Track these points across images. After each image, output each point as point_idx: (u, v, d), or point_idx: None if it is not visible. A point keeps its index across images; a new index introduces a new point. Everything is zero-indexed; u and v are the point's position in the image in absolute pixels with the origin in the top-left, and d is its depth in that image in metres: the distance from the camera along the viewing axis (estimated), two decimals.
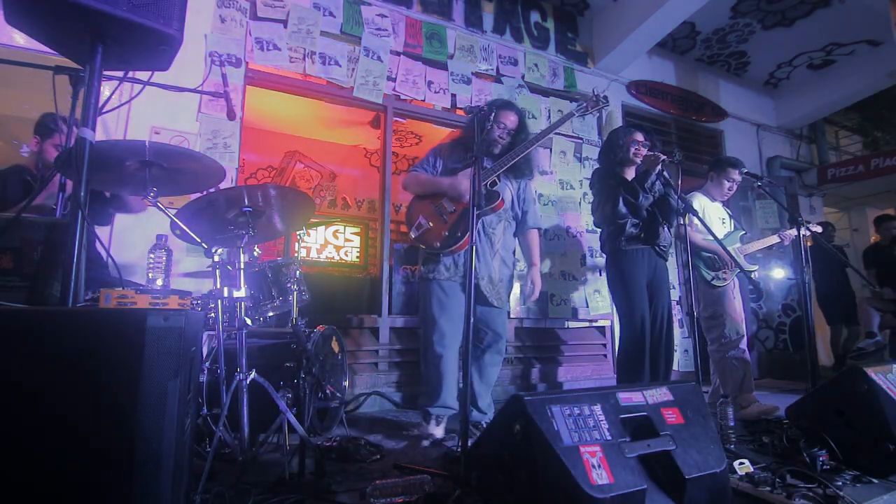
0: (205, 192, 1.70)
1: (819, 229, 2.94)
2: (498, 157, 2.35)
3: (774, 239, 3.07)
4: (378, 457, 1.89)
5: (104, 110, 1.36)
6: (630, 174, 2.72)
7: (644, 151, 2.63)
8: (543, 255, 3.88)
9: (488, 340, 2.40)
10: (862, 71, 5.07)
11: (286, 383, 1.93)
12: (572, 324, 3.93)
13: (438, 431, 2.25)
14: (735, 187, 3.09)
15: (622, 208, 2.58)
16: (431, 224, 2.32)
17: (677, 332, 2.96)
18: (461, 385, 2.41)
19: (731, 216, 3.19)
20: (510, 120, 2.41)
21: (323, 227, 5.08)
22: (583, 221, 4.09)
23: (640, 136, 2.70)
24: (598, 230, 2.95)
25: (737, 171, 3.05)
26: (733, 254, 2.77)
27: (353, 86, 3.34)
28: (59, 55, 1.26)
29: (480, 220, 2.36)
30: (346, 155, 6.27)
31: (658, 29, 3.99)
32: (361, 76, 3.36)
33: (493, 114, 2.30)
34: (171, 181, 1.58)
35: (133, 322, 0.91)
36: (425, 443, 2.19)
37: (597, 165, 3.01)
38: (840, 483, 1.58)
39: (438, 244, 2.30)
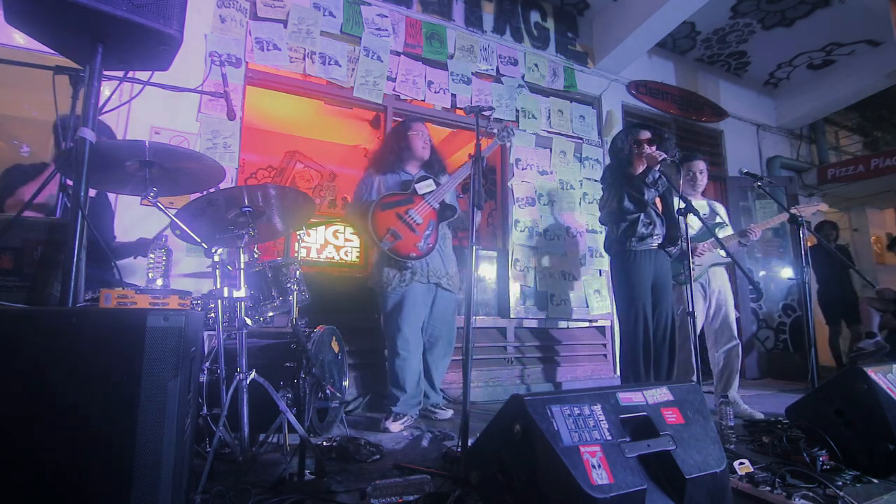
0: (205, 192, 1.70)
1: (813, 209, 2.96)
2: (427, 164, 2.74)
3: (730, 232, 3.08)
4: (378, 457, 1.89)
5: (104, 110, 1.36)
6: (640, 170, 2.73)
7: (647, 150, 2.64)
8: (544, 254, 3.88)
9: (440, 332, 2.71)
10: (862, 71, 5.07)
11: (286, 383, 1.92)
12: (572, 324, 3.93)
13: (395, 427, 2.41)
14: (699, 177, 3.10)
15: (628, 204, 2.60)
16: (404, 236, 2.51)
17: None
18: (427, 381, 2.74)
19: (712, 211, 3.18)
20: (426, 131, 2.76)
21: (323, 227, 5.08)
22: (583, 221, 4.09)
23: (643, 135, 2.71)
24: (601, 230, 2.96)
25: (696, 162, 3.10)
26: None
27: (353, 86, 3.34)
28: (59, 55, 1.25)
29: (442, 227, 2.68)
30: (346, 155, 6.28)
31: (658, 29, 3.99)
32: (361, 76, 3.36)
33: (409, 128, 2.70)
34: (171, 181, 1.58)
35: (133, 322, 0.91)
36: (424, 443, 2.20)
37: (606, 163, 3.03)
38: (840, 483, 1.58)
39: (414, 254, 2.52)
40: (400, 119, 3.92)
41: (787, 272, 4.92)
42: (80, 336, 0.89)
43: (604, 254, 2.97)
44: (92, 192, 2.10)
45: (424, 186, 2.60)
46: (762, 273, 4.92)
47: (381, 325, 3.22)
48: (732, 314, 2.95)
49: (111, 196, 2.42)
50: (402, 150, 2.68)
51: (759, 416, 2.68)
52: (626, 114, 4.55)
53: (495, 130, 2.68)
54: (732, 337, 2.90)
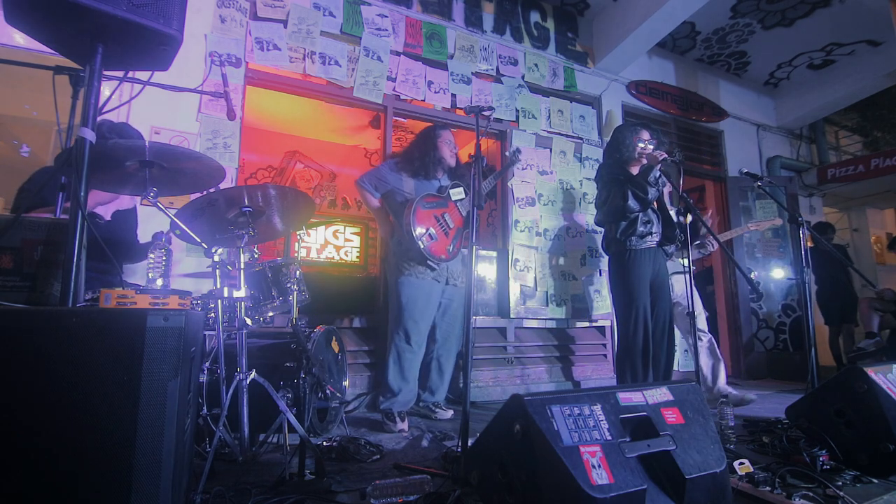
0: (205, 192, 1.70)
1: (768, 224, 3.07)
2: (454, 170, 2.82)
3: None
4: (378, 457, 1.89)
5: (104, 110, 1.35)
6: (634, 171, 2.74)
7: (650, 149, 2.65)
8: (544, 254, 3.89)
9: (452, 329, 2.73)
10: (862, 71, 5.07)
11: (286, 383, 1.92)
12: (572, 323, 3.93)
13: (403, 424, 2.43)
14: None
15: (632, 203, 2.61)
16: (438, 237, 2.58)
17: (677, 332, 3.00)
18: (432, 382, 2.76)
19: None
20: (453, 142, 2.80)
21: (323, 227, 5.08)
22: (583, 221, 4.09)
23: (646, 135, 2.73)
24: (600, 229, 2.96)
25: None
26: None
27: (353, 86, 3.34)
28: (59, 55, 1.26)
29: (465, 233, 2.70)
30: (346, 155, 6.28)
31: (658, 29, 3.99)
32: (361, 76, 3.36)
33: (438, 136, 2.73)
34: (171, 181, 1.58)
35: (133, 322, 0.91)
36: (424, 443, 2.20)
37: (601, 161, 3.04)
38: (840, 483, 1.58)
39: (443, 256, 2.58)
40: (401, 119, 3.93)
41: (786, 272, 4.92)
42: (80, 336, 0.89)
43: (604, 254, 2.98)
44: (129, 202, 2.11)
45: (456, 193, 2.71)
46: (755, 274, 4.92)
47: (384, 320, 3.24)
48: (700, 313, 3.02)
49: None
50: (433, 158, 2.70)
51: (752, 397, 2.81)
52: (626, 114, 4.55)
53: (507, 153, 2.93)
54: (703, 333, 2.99)
